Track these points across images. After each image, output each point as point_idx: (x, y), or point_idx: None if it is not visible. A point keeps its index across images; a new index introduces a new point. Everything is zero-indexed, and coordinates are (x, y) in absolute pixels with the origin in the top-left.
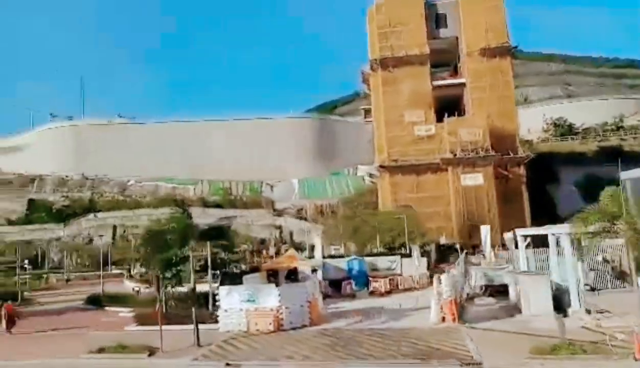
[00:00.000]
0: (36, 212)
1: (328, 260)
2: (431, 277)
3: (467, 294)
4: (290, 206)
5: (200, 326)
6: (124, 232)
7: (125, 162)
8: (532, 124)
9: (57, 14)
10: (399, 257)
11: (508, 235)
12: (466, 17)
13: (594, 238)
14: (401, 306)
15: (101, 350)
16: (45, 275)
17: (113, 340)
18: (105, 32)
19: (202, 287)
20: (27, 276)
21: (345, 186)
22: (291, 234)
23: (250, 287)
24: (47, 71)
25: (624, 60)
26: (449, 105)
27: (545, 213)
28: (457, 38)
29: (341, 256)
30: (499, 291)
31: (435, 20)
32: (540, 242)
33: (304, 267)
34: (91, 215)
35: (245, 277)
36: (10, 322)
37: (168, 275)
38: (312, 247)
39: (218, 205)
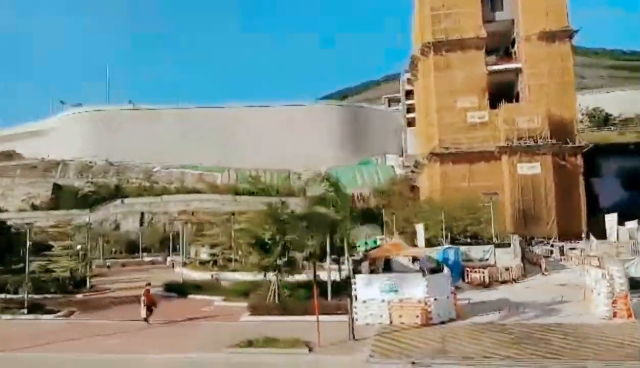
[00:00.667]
0: (61, 197)
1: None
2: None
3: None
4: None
5: (328, 317)
6: (152, 218)
7: (149, 148)
8: None
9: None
10: (492, 246)
11: (630, 225)
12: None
13: None
14: (558, 299)
15: (249, 344)
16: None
17: (240, 332)
18: (129, 18)
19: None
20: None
21: (375, 175)
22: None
23: (393, 276)
24: (71, 57)
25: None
26: (500, 91)
27: (587, 205)
28: (512, 21)
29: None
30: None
31: (491, 2)
32: None
33: (404, 256)
34: (118, 201)
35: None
36: (149, 311)
37: (279, 262)
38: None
39: (251, 193)
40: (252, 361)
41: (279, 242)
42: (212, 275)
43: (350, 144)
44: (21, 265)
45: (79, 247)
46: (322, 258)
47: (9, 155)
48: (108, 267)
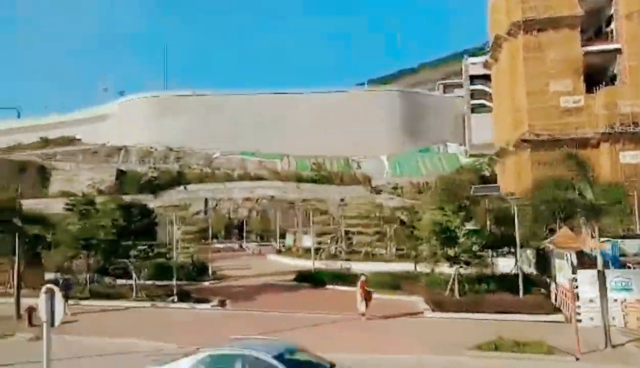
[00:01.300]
0: (125, 182)
1: None
2: None
3: None
4: (384, 183)
5: (525, 317)
6: (216, 205)
7: (208, 135)
8: None
9: None
10: None
11: None
12: None
13: None
14: None
15: (495, 347)
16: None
17: (447, 330)
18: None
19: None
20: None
21: (439, 163)
22: (393, 213)
23: (626, 272)
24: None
25: None
26: (593, 74)
27: None
28: None
29: None
30: None
31: None
32: None
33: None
34: (181, 187)
35: None
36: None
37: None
38: None
39: (313, 181)
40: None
41: (467, 232)
42: (341, 265)
43: (407, 131)
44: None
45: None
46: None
47: (71, 140)
48: None
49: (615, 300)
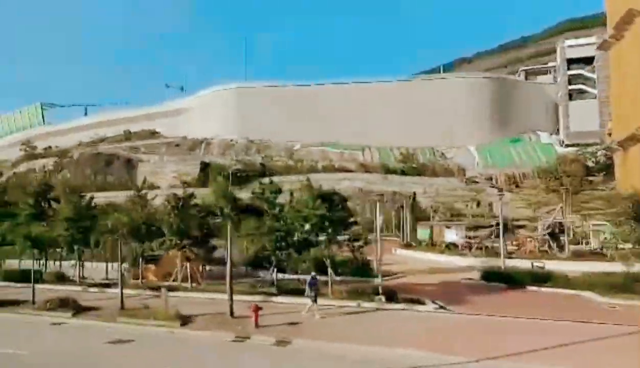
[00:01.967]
0: (209, 174)
1: None
2: None
3: None
4: (476, 174)
5: None
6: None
7: (287, 126)
8: None
9: None
10: None
11: None
12: None
13: None
14: None
15: None
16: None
17: None
18: None
19: None
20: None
21: (534, 153)
22: (490, 206)
23: None
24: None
25: None
26: None
27: None
28: None
29: None
30: None
31: None
32: None
33: None
34: (266, 179)
35: None
36: None
37: None
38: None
39: (402, 172)
40: None
41: None
42: (532, 263)
43: (495, 120)
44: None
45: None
46: None
47: (152, 133)
48: None
49: None
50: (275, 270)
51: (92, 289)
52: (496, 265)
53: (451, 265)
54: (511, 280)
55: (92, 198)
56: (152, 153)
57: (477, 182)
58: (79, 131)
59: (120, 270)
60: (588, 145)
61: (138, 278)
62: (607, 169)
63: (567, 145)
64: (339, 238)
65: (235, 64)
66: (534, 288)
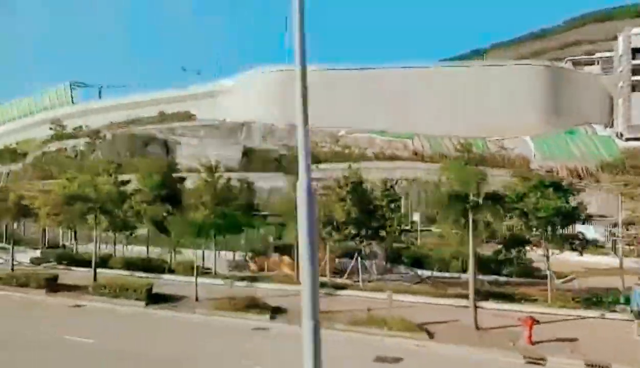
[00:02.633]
0: (253, 160)
1: None
2: None
3: None
4: (536, 167)
5: None
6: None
7: (331, 111)
8: None
9: None
10: None
11: None
12: None
13: None
14: None
15: None
16: None
17: None
18: None
19: None
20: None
21: (593, 147)
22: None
23: None
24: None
25: None
26: None
27: None
28: None
29: None
30: None
31: None
32: None
33: None
34: (312, 166)
35: None
36: None
37: None
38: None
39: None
40: None
41: None
42: None
43: (549, 110)
44: None
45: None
46: None
47: (189, 116)
48: None
49: None
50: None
51: (239, 283)
52: None
53: (602, 265)
54: None
55: (229, 179)
56: (189, 136)
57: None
58: (110, 111)
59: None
60: None
61: (263, 269)
62: None
63: (628, 139)
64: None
65: (271, 46)
66: None
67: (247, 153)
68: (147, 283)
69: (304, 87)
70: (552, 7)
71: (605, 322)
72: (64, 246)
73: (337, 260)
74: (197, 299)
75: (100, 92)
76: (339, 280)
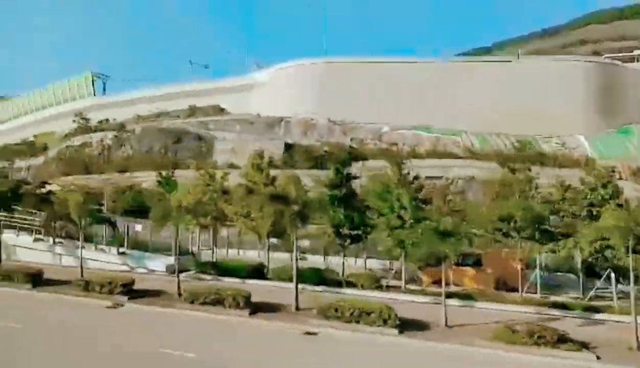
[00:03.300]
0: (295, 156)
1: None
2: None
3: None
4: (600, 167)
5: None
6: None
7: (372, 106)
8: None
9: None
10: None
11: None
12: None
13: None
14: None
15: None
16: None
17: None
18: None
19: None
20: None
21: None
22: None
23: None
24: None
25: None
26: None
27: None
28: None
29: None
30: None
31: None
32: None
33: None
34: (359, 163)
35: None
36: None
37: None
38: None
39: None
40: None
41: None
42: None
43: (599, 107)
44: None
45: None
46: None
47: (221, 109)
48: None
49: None
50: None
51: (421, 298)
52: None
53: None
54: None
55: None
56: (223, 130)
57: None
58: (135, 104)
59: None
60: None
61: (436, 283)
62: None
63: None
64: None
65: (301, 39)
66: None
67: (289, 149)
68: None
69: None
70: (555, 7)
71: None
72: (192, 253)
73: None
74: (446, 324)
75: (104, 86)
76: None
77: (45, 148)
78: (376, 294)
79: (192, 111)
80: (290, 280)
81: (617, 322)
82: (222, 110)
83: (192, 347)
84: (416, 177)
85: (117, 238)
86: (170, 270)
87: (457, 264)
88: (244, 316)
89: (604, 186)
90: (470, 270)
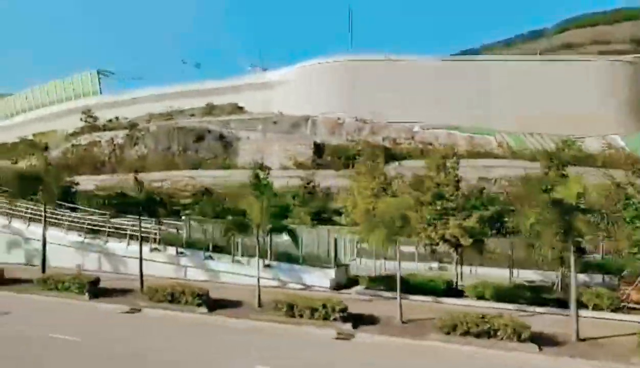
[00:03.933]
0: (324, 156)
1: None
2: None
3: None
4: None
5: None
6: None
7: (400, 105)
8: None
9: None
10: None
11: None
12: None
13: None
14: None
15: None
16: None
17: None
18: None
19: None
20: None
21: None
22: None
23: None
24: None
25: None
26: None
27: None
28: None
29: None
30: None
31: None
32: None
33: None
34: (395, 163)
35: None
36: None
37: None
38: None
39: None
40: None
41: None
42: None
43: (630, 107)
44: None
45: None
46: None
47: (239, 108)
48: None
49: None
50: None
51: None
52: None
53: None
54: None
55: None
56: (244, 129)
57: None
58: (144, 102)
59: None
60: None
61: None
62: None
63: None
64: None
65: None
66: None
67: (318, 149)
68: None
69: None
70: (541, 9)
71: None
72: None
73: None
74: None
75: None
76: None
77: (46, 147)
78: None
79: (210, 109)
80: (495, 298)
81: None
82: (240, 109)
83: None
84: None
85: (259, 249)
86: (334, 285)
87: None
88: (533, 351)
89: None
90: None
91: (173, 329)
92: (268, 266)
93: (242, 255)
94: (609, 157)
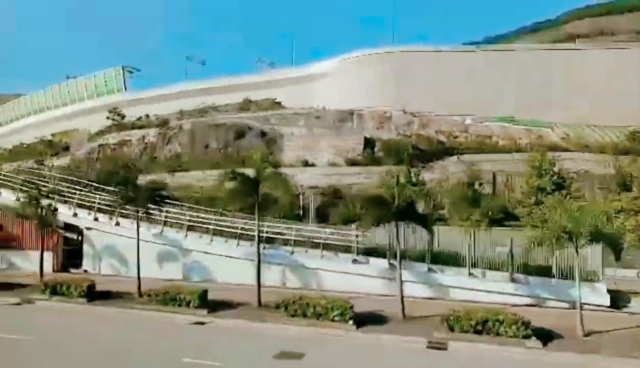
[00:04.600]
0: (376, 151)
1: None
2: None
3: None
4: None
5: None
6: (507, 179)
7: (446, 96)
8: None
9: None
10: None
11: None
12: None
13: None
14: None
15: None
16: None
17: None
18: None
19: None
20: None
21: None
22: None
23: None
24: None
25: None
26: None
27: None
28: None
29: None
30: None
31: None
32: None
33: None
34: (453, 158)
35: None
36: None
37: None
38: None
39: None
40: None
41: None
42: None
43: None
44: None
45: None
46: None
47: (278, 103)
48: None
49: None
50: None
51: None
52: None
53: None
54: None
55: None
56: (287, 125)
57: None
58: (175, 99)
59: None
60: None
61: None
62: None
63: None
64: None
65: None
66: None
67: (369, 144)
68: None
69: None
70: (544, 1)
71: None
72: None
73: None
74: None
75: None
76: None
77: (67, 147)
78: None
79: (247, 105)
80: None
81: None
82: (278, 104)
83: None
84: None
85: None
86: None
87: None
88: None
89: None
90: None
91: None
92: (513, 280)
93: (474, 267)
94: None
